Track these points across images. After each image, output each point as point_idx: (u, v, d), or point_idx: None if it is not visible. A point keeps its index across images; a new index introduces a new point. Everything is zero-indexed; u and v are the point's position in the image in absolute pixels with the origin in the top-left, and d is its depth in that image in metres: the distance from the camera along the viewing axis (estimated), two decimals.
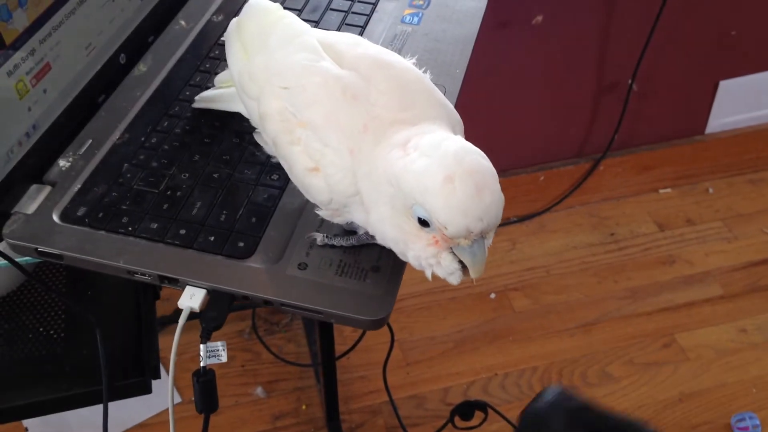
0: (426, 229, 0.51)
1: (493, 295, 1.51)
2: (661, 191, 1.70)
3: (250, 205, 0.64)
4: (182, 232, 0.61)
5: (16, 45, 0.62)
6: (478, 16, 0.81)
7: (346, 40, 0.60)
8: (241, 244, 0.61)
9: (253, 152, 0.68)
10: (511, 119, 1.60)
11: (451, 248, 0.51)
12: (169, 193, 0.64)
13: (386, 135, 0.53)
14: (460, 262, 0.51)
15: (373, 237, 0.60)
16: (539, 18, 1.43)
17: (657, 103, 1.67)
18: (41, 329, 0.73)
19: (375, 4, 0.84)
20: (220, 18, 0.82)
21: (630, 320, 1.48)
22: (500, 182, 0.51)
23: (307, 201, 0.63)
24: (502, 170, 0.55)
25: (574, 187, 1.69)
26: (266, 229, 0.62)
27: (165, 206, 0.63)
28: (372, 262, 0.60)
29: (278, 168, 0.66)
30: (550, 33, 1.47)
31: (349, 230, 0.61)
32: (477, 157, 0.50)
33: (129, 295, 0.74)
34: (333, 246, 0.61)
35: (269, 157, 0.65)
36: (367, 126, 0.53)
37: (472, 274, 0.51)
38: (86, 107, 0.71)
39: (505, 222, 1.62)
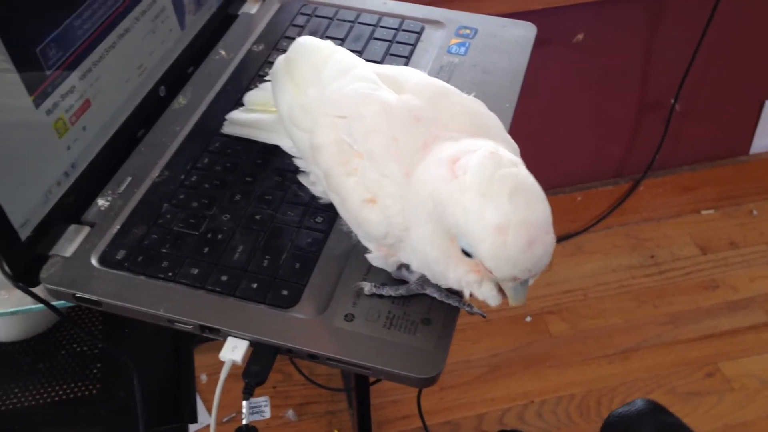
0: (469, 257, 0.48)
1: (528, 318, 1.48)
2: (704, 213, 1.66)
3: (293, 250, 0.61)
4: (224, 278, 0.59)
5: (56, 83, 0.60)
6: (528, 47, 0.78)
7: (403, 72, 0.58)
8: (285, 293, 0.58)
9: (296, 192, 0.65)
10: (550, 138, 1.57)
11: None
12: (209, 235, 0.62)
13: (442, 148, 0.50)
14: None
15: (422, 286, 0.57)
16: (580, 36, 1.39)
17: (700, 122, 1.62)
18: (77, 369, 0.71)
19: (420, 33, 0.81)
20: (260, 47, 0.80)
21: (671, 347, 1.43)
22: None
23: (354, 246, 0.61)
24: None
25: (613, 207, 1.65)
26: (311, 275, 0.59)
27: (206, 250, 0.61)
28: (422, 314, 0.57)
29: (322, 210, 0.64)
30: (592, 51, 1.43)
31: (398, 279, 0.59)
32: (533, 202, 0.47)
33: (166, 335, 0.72)
34: (381, 296, 0.58)
35: (313, 198, 0.63)
36: (427, 143, 0.51)
37: (512, 303, 0.50)
38: (126, 143, 0.69)
39: None
